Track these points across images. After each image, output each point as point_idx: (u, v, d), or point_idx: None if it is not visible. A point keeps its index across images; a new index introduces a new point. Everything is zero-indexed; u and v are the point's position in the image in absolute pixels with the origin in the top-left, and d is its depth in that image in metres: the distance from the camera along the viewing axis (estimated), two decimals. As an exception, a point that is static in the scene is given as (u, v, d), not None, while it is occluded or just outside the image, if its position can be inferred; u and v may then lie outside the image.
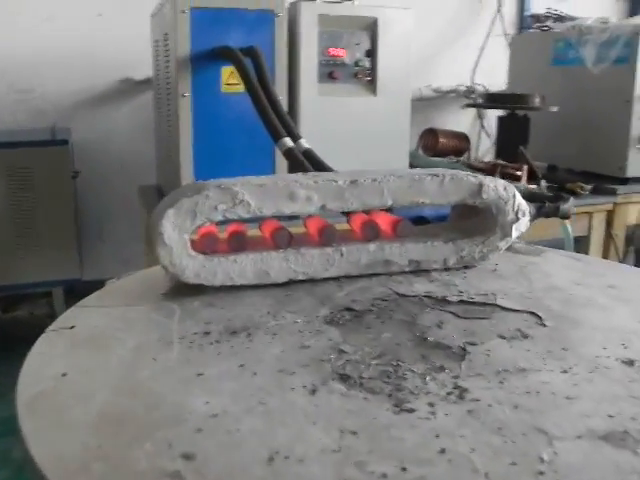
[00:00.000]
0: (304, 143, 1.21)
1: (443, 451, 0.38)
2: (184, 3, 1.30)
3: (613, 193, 1.82)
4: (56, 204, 1.65)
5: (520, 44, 2.28)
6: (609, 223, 1.89)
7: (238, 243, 0.63)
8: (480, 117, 2.52)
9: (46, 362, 0.48)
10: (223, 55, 1.31)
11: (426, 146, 1.90)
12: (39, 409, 0.42)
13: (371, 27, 1.58)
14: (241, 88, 1.39)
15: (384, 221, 0.70)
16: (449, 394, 0.45)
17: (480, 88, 2.48)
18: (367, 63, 1.59)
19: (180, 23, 1.32)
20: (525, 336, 0.54)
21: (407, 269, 0.68)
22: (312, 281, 0.65)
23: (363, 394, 0.44)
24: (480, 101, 2.36)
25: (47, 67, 1.92)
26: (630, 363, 0.49)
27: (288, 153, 1.18)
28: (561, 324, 0.57)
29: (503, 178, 0.86)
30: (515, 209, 0.69)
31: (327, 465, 0.36)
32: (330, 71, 1.56)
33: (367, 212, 0.70)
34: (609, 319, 0.58)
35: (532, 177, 1.74)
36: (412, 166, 1.70)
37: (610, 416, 0.41)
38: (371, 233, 0.68)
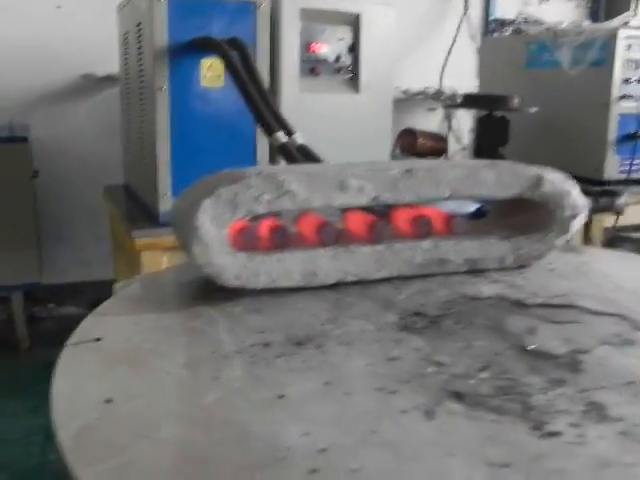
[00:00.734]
0: (298, 138, 1.13)
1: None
2: (161, -9, 1.20)
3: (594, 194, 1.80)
4: (14, 204, 1.51)
5: (490, 47, 2.25)
6: (587, 226, 1.87)
7: (281, 239, 0.54)
8: (449, 119, 2.48)
9: (80, 385, 0.38)
10: (205, 46, 1.21)
11: (404, 147, 1.85)
12: (90, 448, 0.32)
13: (354, 23, 1.51)
14: (221, 82, 1.30)
15: (433, 215, 0.62)
16: (586, 412, 0.37)
17: (449, 90, 2.44)
18: (349, 59, 1.52)
19: (156, 12, 1.21)
20: (630, 342, 0.47)
21: (463, 269, 0.61)
22: (361, 283, 0.57)
23: (491, 415, 0.36)
24: (449, 103, 2.33)
25: (2, 60, 1.77)
26: None
27: (282, 149, 1.09)
28: (660, 327, 0.50)
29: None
30: (573, 204, 0.62)
31: (498, 513, 0.28)
32: (312, 67, 1.48)
33: (386, 207, 0.62)
34: None
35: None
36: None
37: None
38: (424, 229, 0.60)
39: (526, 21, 2.20)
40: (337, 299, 0.53)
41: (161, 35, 1.20)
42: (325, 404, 0.36)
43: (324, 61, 1.50)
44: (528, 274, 0.62)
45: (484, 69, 2.24)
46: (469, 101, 1.86)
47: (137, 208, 1.43)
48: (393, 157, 1.75)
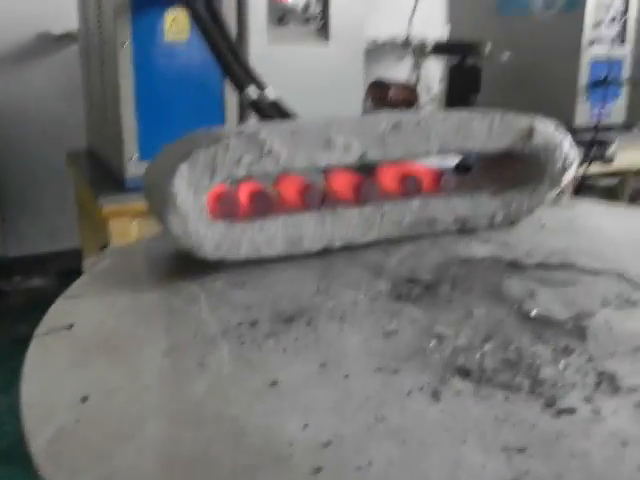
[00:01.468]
0: (271, 93, 1.08)
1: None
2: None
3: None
4: (-27, 174, 1.43)
5: (460, -8, 2.19)
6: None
7: (264, 205, 0.51)
8: (418, 68, 2.43)
9: (52, 382, 0.35)
10: (169, -3, 1.14)
11: (374, 98, 1.80)
12: (68, 457, 0.29)
13: (322, -33, 1.44)
14: (186, 35, 1.23)
15: (420, 173, 0.59)
16: (598, 384, 0.35)
17: (417, 39, 2.38)
18: (319, 8, 1.46)
19: (115, -37, 1.13)
20: (632, 303, 0.45)
21: (453, 228, 0.58)
22: (348, 248, 0.54)
23: (500, 393, 0.34)
24: (418, 52, 2.27)
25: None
26: None
27: (254, 104, 1.04)
28: (661, 284, 0.48)
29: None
30: (564, 156, 0.59)
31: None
32: (280, 16, 1.41)
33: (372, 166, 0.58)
34: None
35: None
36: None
37: None
38: (412, 188, 0.56)
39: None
40: (325, 267, 0.50)
41: (121, -12, 1.13)
42: (323, 389, 0.34)
43: (292, 10, 1.43)
44: (520, 231, 0.60)
45: (454, 16, 2.19)
46: (440, 49, 1.81)
47: (102, 173, 1.37)
48: (365, 109, 1.71)
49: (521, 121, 0.57)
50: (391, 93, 1.78)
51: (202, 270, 0.49)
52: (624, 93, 1.92)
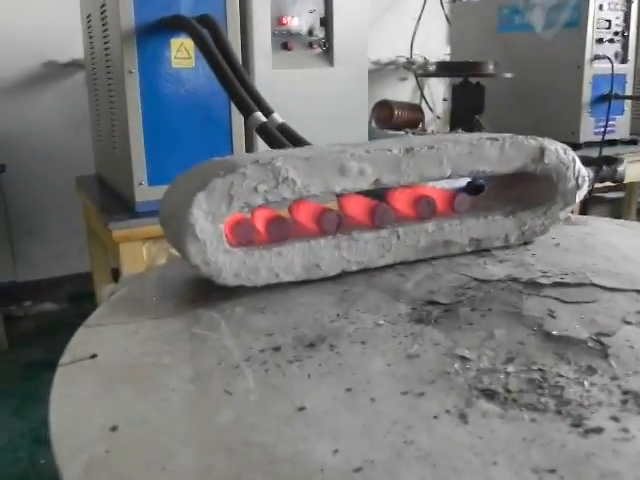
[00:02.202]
0: (277, 117, 1.09)
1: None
2: (125, -31, 1.14)
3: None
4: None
5: (461, 13, 2.22)
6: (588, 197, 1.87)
7: (280, 231, 0.51)
8: (420, 88, 2.45)
9: (81, 412, 0.35)
10: (175, 25, 1.16)
11: (380, 119, 1.81)
12: (102, 486, 0.29)
13: (325, -7, 1.46)
14: (192, 62, 1.25)
15: (433, 195, 0.59)
16: (624, 402, 0.35)
17: (420, 59, 2.41)
18: (322, 32, 1.47)
19: (121, -9, 1.15)
20: (653, 319, 0.45)
21: (468, 249, 0.58)
22: (364, 272, 0.54)
23: (527, 414, 0.34)
24: (421, 72, 2.29)
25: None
26: None
27: (262, 129, 1.05)
28: (680, 301, 0.48)
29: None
30: (576, 175, 0.60)
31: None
32: (284, 41, 1.43)
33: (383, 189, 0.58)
34: None
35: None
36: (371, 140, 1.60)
37: None
38: (426, 210, 0.57)
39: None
40: (343, 291, 0.51)
41: (127, 16, 1.15)
42: (351, 414, 0.34)
43: (296, 35, 1.45)
44: (534, 251, 0.60)
45: (455, 36, 2.21)
46: (443, 69, 1.83)
47: (112, 198, 1.38)
48: (370, 130, 1.72)
49: (531, 143, 0.58)
50: (396, 113, 1.79)
51: (221, 296, 0.50)
52: (628, 108, 1.93)
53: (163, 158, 1.24)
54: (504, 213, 0.60)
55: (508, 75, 1.78)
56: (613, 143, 1.90)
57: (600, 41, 1.83)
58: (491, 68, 1.76)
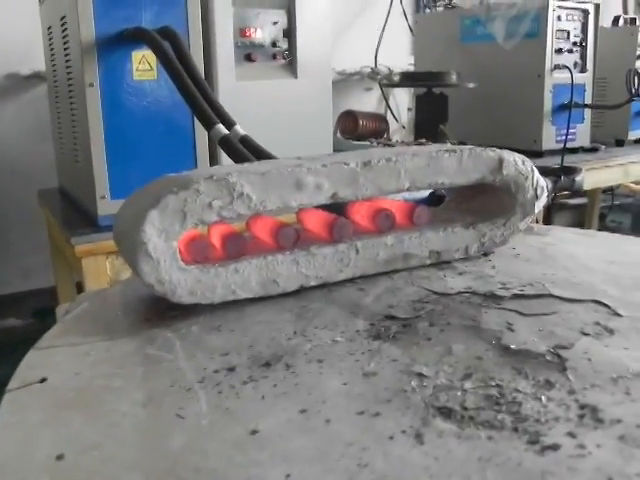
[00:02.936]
0: (240, 130, 1.08)
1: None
2: (84, -19, 1.12)
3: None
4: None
5: (424, 23, 2.24)
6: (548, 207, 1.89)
7: (237, 247, 0.50)
8: (385, 98, 2.46)
9: (26, 440, 0.33)
10: (136, 37, 1.15)
11: (345, 129, 1.81)
12: (43, 520, 0.28)
13: (288, 5, 1.46)
14: (154, 74, 1.24)
15: (392, 207, 0.59)
16: (581, 417, 0.35)
17: (384, 69, 2.42)
18: (285, 44, 1.47)
19: (81, 4, 1.13)
20: (610, 331, 0.45)
21: (427, 262, 0.58)
22: (323, 286, 0.54)
23: (483, 432, 0.33)
24: (385, 82, 2.30)
25: None
26: None
27: (224, 142, 1.04)
28: (636, 312, 0.48)
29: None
30: (535, 185, 0.60)
31: None
32: (247, 53, 1.43)
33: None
34: (684, 300, 0.50)
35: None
36: (336, 151, 1.60)
37: None
38: (385, 224, 0.57)
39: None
40: (301, 307, 0.50)
41: (88, 28, 1.13)
42: (304, 437, 0.33)
43: (260, 46, 1.44)
44: (494, 262, 0.60)
45: (419, 46, 2.23)
46: (407, 79, 1.84)
47: (74, 212, 1.36)
48: (335, 141, 1.72)
49: (489, 154, 0.58)
50: (361, 123, 1.80)
51: (177, 314, 0.49)
52: (587, 116, 1.97)
53: (126, 171, 1.22)
54: (464, 225, 0.60)
55: (471, 85, 1.80)
56: (574, 151, 1.93)
57: (559, 51, 1.86)
58: (454, 78, 1.78)
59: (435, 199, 0.74)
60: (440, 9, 2.17)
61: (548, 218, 2.31)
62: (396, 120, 2.44)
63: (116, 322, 0.49)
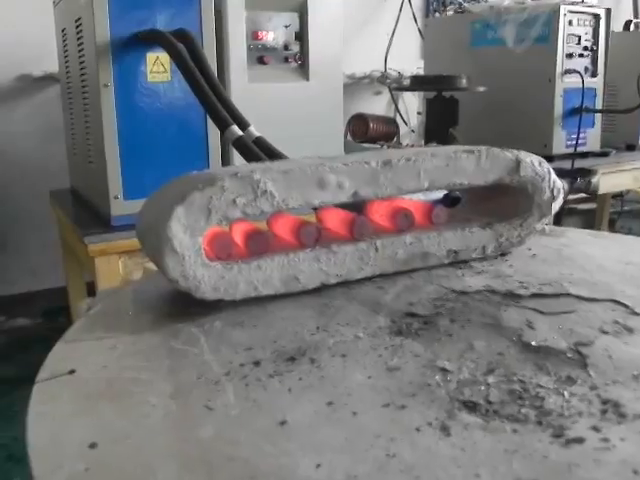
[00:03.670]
0: (254, 131, 1.09)
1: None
2: (101, -17, 1.14)
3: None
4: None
5: (434, 27, 2.24)
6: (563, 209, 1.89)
7: (259, 244, 0.51)
8: (395, 102, 2.47)
9: (58, 429, 0.34)
10: (151, 39, 1.16)
11: (355, 132, 1.82)
12: (80, 505, 0.28)
13: (300, 8, 1.47)
14: (168, 76, 1.24)
15: (410, 207, 0.60)
16: (604, 412, 0.35)
17: (394, 73, 2.43)
18: (297, 47, 1.48)
19: (97, 5, 1.15)
20: (629, 329, 0.46)
21: (445, 261, 0.59)
22: (343, 284, 0.54)
23: (508, 425, 0.34)
24: (395, 85, 2.31)
25: None
26: None
27: (238, 143, 1.05)
28: (655, 310, 0.49)
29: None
30: (551, 186, 0.61)
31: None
32: (260, 55, 1.44)
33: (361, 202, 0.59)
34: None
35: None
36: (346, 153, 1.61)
37: None
38: (404, 223, 0.57)
39: (467, 0, 2.20)
40: (322, 304, 0.51)
41: (103, 30, 1.14)
42: (333, 428, 0.34)
43: (272, 49, 1.45)
44: (511, 262, 0.60)
45: (429, 50, 2.23)
46: (417, 83, 1.85)
47: (87, 212, 1.37)
48: (346, 144, 1.73)
49: (507, 155, 0.59)
50: (371, 127, 1.80)
51: (199, 311, 0.49)
52: (598, 121, 1.97)
53: (139, 172, 1.23)
54: (481, 225, 0.60)
55: (481, 89, 1.80)
56: (584, 155, 1.93)
57: (570, 56, 1.86)
58: (464, 82, 1.79)
59: (450, 200, 0.75)
60: (450, 13, 2.18)
61: (558, 223, 2.31)
62: (405, 124, 2.45)
63: (139, 317, 0.50)
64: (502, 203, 0.63)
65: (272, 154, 1.05)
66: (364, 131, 1.81)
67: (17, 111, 1.80)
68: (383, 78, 2.40)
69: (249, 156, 1.03)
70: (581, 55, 1.89)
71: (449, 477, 0.30)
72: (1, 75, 1.77)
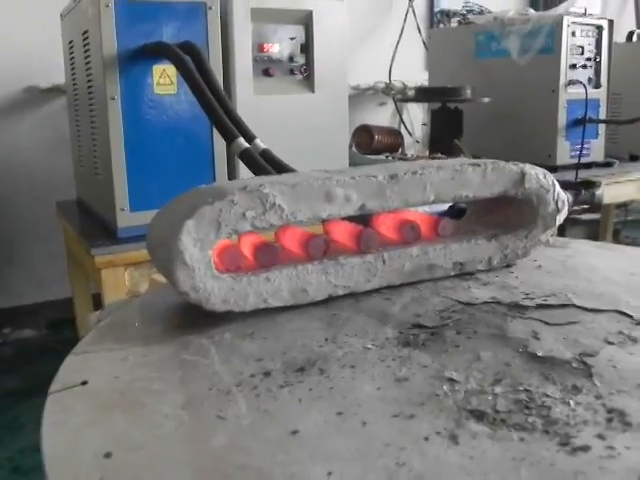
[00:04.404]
0: (260, 143, 1.10)
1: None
2: (107, -4, 1.15)
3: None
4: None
5: (438, 39, 2.26)
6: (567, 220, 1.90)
7: (268, 257, 0.52)
8: (399, 113, 2.48)
9: (74, 439, 0.35)
10: (157, 52, 1.17)
11: (360, 143, 1.83)
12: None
13: (305, 21, 1.48)
14: (174, 88, 1.26)
15: (418, 219, 0.60)
16: (609, 420, 0.36)
17: (398, 84, 2.44)
18: (303, 59, 1.49)
19: (104, 18, 1.16)
20: (634, 340, 0.46)
21: (451, 273, 0.59)
22: (350, 296, 0.55)
23: (515, 433, 0.34)
24: (400, 97, 2.33)
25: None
26: None
27: (245, 155, 1.06)
28: (659, 321, 0.49)
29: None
30: (556, 198, 0.62)
31: None
32: (265, 67, 1.45)
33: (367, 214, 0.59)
34: None
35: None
36: (351, 165, 1.62)
37: None
38: (411, 235, 0.58)
39: (471, 12, 2.21)
40: (330, 316, 0.51)
41: (110, 42, 1.16)
42: (343, 437, 0.34)
43: (277, 61, 1.47)
44: (517, 273, 0.61)
45: (433, 61, 2.25)
46: (422, 94, 1.86)
47: (93, 224, 1.38)
48: (351, 155, 1.74)
49: (512, 168, 0.59)
50: (376, 138, 1.81)
51: (208, 322, 0.50)
52: (602, 132, 1.97)
53: (145, 184, 1.24)
54: (487, 237, 0.61)
55: (485, 100, 1.81)
56: (588, 166, 1.94)
57: (574, 67, 1.88)
58: (468, 93, 1.80)
59: (456, 212, 0.75)
60: (454, 24, 2.19)
61: (561, 233, 2.32)
62: (410, 135, 2.46)
63: (149, 329, 0.51)
64: (507, 215, 0.63)
65: (278, 167, 1.05)
66: (369, 143, 1.82)
67: (24, 123, 1.82)
68: (387, 89, 2.41)
69: (256, 169, 1.04)
70: (584, 66, 1.90)
71: (458, 486, 0.30)
72: (8, 87, 1.78)
